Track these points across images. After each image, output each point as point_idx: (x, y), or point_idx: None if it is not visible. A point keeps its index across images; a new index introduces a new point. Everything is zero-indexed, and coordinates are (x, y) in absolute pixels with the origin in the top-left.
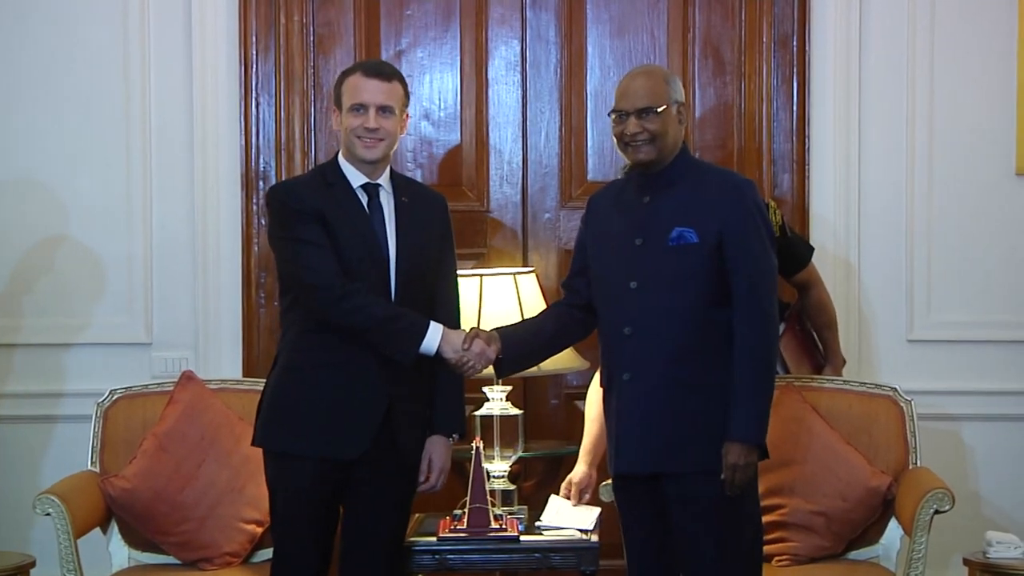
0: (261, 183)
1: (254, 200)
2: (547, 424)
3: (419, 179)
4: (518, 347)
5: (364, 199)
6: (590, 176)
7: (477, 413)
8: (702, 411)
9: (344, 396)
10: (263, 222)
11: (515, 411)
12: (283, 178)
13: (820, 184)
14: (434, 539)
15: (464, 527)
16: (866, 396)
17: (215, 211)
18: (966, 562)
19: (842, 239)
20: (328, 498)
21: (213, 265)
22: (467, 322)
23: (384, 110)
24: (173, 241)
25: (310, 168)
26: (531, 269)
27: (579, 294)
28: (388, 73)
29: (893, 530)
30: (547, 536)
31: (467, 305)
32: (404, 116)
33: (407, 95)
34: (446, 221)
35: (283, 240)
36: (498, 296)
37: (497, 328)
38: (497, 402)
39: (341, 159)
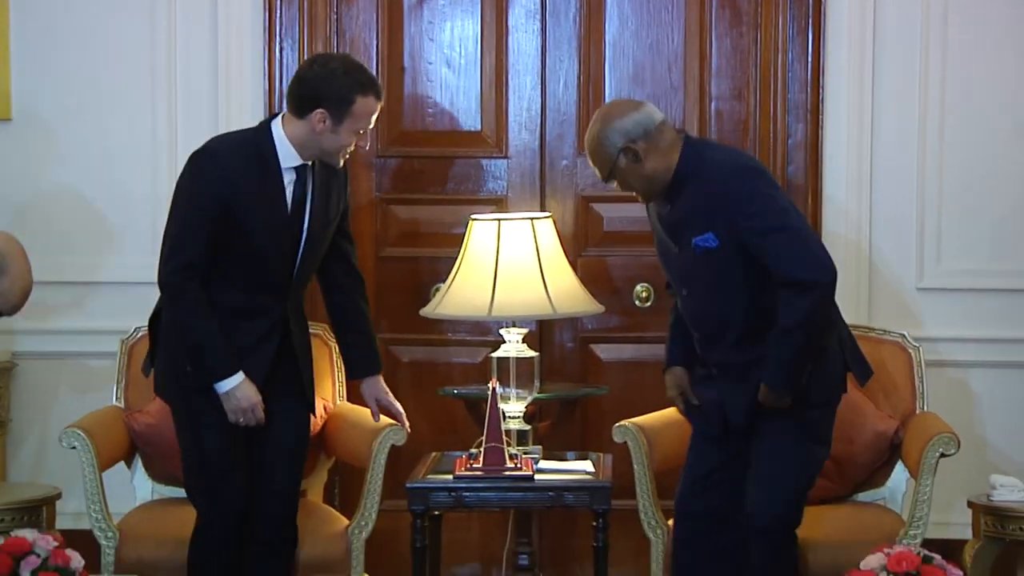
0: None
1: None
2: (562, 367)
3: (440, 126)
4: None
5: (290, 177)
6: None
7: (494, 355)
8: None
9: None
10: None
11: (531, 353)
12: None
13: (834, 134)
14: (450, 477)
15: (480, 466)
16: (875, 342)
17: None
18: (970, 505)
19: (854, 189)
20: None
21: None
22: (486, 266)
23: None
24: None
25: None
26: (548, 214)
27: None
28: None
29: (899, 473)
30: (561, 476)
31: (486, 249)
32: None
33: None
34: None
35: (178, 213)
36: (516, 240)
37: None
38: (513, 344)
39: (283, 138)
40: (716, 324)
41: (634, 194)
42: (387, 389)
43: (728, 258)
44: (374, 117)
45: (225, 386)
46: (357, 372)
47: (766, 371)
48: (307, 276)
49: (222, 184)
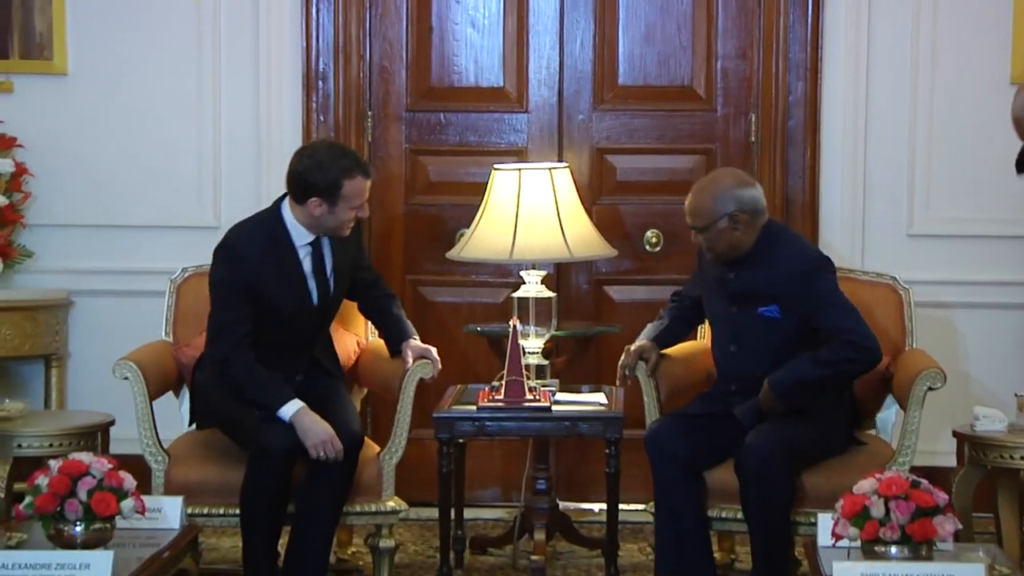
0: (320, 82)
1: (313, 98)
2: (578, 306)
3: (465, 82)
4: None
5: (305, 251)
6: (620, 81)
7: (515, 295)
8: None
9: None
10: (321, 118)
11: (549, 293)
12: (340, 79)
13: (831, 91)
14: (474, 408)
15: (501, 397)
16: (868, 284)
17: (278, 107)
18: (955, 434)
19: (850, 141)
20: None
21: (276, 155)
22: (507, 213)
23: None
24: (239, 134)
25: (364, 70)
26: (565, 165)
27: (685, 304)
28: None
29: (890, 405)
30: (576, 407)
31: (507, 197)
32: None
33: None
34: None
35: (215, 302)
36: (535, 189)
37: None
38: (533, 285)
39: (293, 220)
40: (760, 379)
41: (710, 257)
42: (424, 346)
43: (785, 326)
44: (366, 192)
45: (287, 412)
46: (395, 348)
47: (776, 372)
48: (331, 320)
49: (247, 275)
